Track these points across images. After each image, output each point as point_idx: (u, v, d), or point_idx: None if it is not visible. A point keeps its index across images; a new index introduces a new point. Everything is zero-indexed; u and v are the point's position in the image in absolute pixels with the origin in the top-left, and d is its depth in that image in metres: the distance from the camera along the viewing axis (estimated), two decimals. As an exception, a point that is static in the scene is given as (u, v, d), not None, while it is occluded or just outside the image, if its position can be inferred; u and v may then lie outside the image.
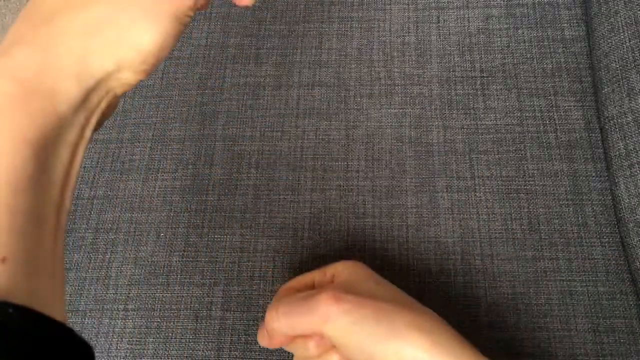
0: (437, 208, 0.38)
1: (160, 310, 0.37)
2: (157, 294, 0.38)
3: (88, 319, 0.37)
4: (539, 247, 0.36)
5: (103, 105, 0.22)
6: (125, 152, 0.43)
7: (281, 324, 0.28)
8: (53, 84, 0.19)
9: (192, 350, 0.36)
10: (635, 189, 0.35)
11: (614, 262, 0.36)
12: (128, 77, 0.22)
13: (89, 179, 0.42)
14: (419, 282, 0.36)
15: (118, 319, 0.37)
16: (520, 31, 0.43)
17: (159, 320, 0.37)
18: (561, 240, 0.36)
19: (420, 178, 0.39)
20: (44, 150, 0.19)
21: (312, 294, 0.28)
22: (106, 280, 0.39)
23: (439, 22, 0.44)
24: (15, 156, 0.18)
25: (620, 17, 0.38)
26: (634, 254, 0.34)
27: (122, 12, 0.21)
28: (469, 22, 0.44)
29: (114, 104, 0.23)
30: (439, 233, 0.37)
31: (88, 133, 0.21)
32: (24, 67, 0.19)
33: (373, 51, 0.44)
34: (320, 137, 0.41)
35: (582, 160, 0.39)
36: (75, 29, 0.20)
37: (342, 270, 0.30)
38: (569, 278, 0.35)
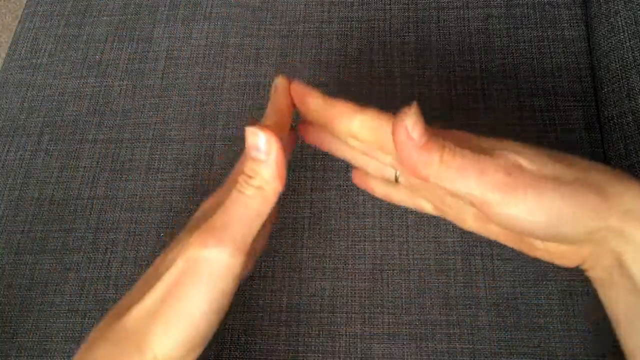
0: (437, 208, 0.38)
1: (160, 310, 0.37)
2: (157, 294, 0.38)
3: (88, 319, 0.37)
4: (539, 247, 0.36)
5: None
6: (125, 152, 0.43)
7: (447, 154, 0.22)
8: None
9: (192, 350, 0.36)
10: (635, 189, 0.35)
11: (614, 262, 0.36)
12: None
13: (89, 179, 0.42)
14: (419, 282, 0.36)
15: (118, 319, 0.37)
16: (520, 31, 0.43)
17: (159, 320, 0.37)
18: (561, 240, 0.36)
19: (420, 178, 0.39)
20: None
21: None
22: (106, 280, 0.39)
23: (439, 22, 0.44)
24: None
25: (620, 17, 0.38)
26: (634, 254, 0.34)
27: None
28: (469, 22, 0.44)
29: None
30: (439, 233, 0.37)
31: None
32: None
33: (373, 51, 0.44)
34: (320, 137, 0.41)
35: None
36: (138, 325, 0.23)
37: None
38: (569, 278, 0.35)
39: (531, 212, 0.22)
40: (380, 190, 0.31)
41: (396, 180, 0.29)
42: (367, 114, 0.24)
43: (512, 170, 0.22)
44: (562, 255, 0.25)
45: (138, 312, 0.23)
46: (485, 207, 0.22)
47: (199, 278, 0.23)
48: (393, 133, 0.22)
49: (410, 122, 0.21)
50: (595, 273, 0.24)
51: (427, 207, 0.29)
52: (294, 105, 0.28)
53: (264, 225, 0.25)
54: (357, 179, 0.32)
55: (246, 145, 0.24)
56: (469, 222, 0.27)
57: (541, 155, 0.23)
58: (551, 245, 0.25)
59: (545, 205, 0.21)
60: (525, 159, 0.22)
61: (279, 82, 0.28)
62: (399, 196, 0.30)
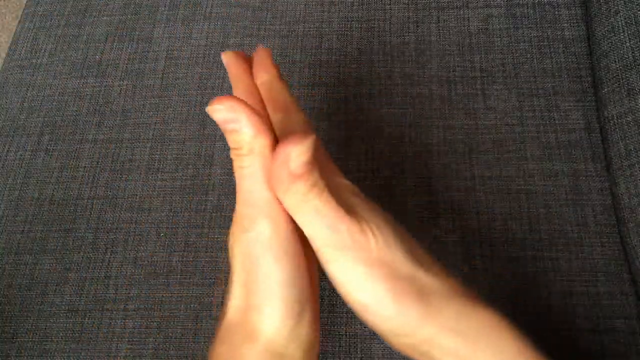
0: (437, 208, 0.38)
1: (160, 310, 0.37)
2: (157, 294, 0.38)
3: (88, 319, 0.37)
4: (539, 247, 0.36)
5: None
6: (125, 152, 0.43)
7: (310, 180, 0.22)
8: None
9: (192, 350, 0.36)
10: (635, 189, 0.35)
11: (614, 262, 0.36)
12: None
13: (89, 179, 0.42)
14: (419, 282, 0.36)
15: (118, 319, 0.37)
16: (520, 31, 0.43)
17: (159, 320, 0.37)
18: (561, 240, 0.36)
19: (420, 178, 0.39)
20: None
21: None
22: (106, 280, 0.39)
23: (439, 22, 0.44)
24: None
25: (620, 17, 0.38)
26: (634, 254, 0.34)
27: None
28: (469, 22, 0.44)
29: None
30: (439, 233, 0.37)
31: None
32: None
33: (373, 51, 0.44)
34: (321, 137, 0.41)
35: (582, 160, 0.39)
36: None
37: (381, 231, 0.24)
38: (569, 278, 0.35)
39: (356, 284, 0.23)
40: None
41: None
42: (280, 115, 0.25)
43: (359, 238, 0.22)
44: (385, 339, 0.25)
45: (231, 306, 0.24)
46: (320, 256, 0.23)
47: (259, 256, 0.23)
48: (277, 149, 0.22)
49: (296, 152, 0.21)
50: None
51: None
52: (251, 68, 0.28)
53: None
54: None
55: (219, 125, 0.23)
56: None
57: (391, 236, 0.23)
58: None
59: (371, 286, 0.22)
60: (377, 233, 0.23)
61: (225, 59, 0.28)
62: None
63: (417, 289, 0.23)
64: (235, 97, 0.22)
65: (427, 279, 0.23)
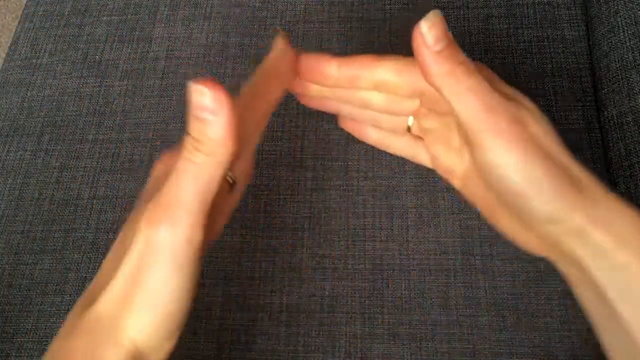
0: (437, 208, 0.38)
1: (160, 310, 0.37)
2: (157, 294, 0.38)
3: (88, 319, 0.37)
4: (539, 247, 0.36)
5: None
6: (125, 152, 0.43)
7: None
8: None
9: (192, 350, 0.36)
10: (635, 189, 0.35)
11: (614, 262, 0.36)
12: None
13: (89, 179, 0.42)
14: (419, 282, 0.36)
15: (118, 319, 0.37)
16: (520, 31, 0.43)
17: (159, 320, 0.37)
18: (561, 240, 0.36)
19: (420, 178, 0.39)
20: None
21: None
22: (106, 280, 0.39)
23: (439, 22, 0.44)
24: None
25: (620, 17, 0.38)
26: (634, 254, 0.34)
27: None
28: (469, 22, 0.44)
29: None
30: (439, 233, 0.37)
31: None
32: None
33: (373, 51, 0.44)
34: (320, 137, 0.41)
35: (582, 160, 0.38)
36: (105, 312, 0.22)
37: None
38: (569, 278, 0.35)
39: (512, 168, 0.22)
40: (374, 136, 0.30)
41: (408, 129, 0.28)
42: (390, 59, 0.25)
43: (517, 122, 0.22)
44: (523, 238, 0.25)
45: (108, 298, 0.22)
46: (478, 143, 0.22)
47: (162, 261, 0.21)
48: (412, 39, 0.22)
49: (426, 25, 0.21)
50: (561, 269, 0.24)
51: (423, 158, 0.29)
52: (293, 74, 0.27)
53: (233, 189, 0.25)
54: (346, 124, 0.31)
55: (191, 105, 0.21)
56: (457, 179, 0.27)
57: (547, 125, 0.23)
58: (516, 224, 0.25)
59: (528, 169, 0.22)
60: (534, 121, 0.22)
61: (278, 47, 0.26)
62: (398, 145, 0.30)
63: (570, 178, 0.22)
64: (224, 89, 0.20)
65: (582, 173, 0.23)
